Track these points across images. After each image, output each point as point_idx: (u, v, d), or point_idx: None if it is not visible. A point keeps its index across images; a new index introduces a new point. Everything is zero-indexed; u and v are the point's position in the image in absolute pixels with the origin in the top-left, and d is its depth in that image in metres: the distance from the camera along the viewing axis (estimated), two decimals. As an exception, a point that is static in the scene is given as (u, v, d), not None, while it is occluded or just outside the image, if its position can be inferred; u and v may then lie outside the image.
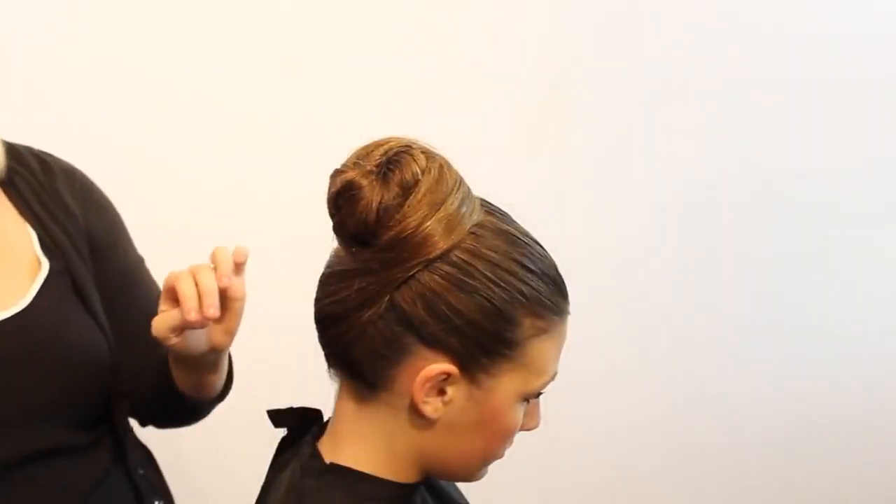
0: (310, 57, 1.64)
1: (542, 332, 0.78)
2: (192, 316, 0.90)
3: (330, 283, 0.78)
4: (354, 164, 0.76)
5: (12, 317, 1.01)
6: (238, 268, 0.95)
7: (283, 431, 0.88)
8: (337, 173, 0.77)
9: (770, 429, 2.03)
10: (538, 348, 0.78)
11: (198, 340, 0.98)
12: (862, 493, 2.10)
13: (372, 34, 1.67)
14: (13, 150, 1.11)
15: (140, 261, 1.18)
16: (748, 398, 2.01)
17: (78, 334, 1.06)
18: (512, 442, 0.83)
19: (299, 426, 0.87)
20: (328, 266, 0.80)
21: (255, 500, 0.87)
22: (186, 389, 1.08)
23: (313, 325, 0.81)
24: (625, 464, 1.98)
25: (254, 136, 1.60)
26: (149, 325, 1.04)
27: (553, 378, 0.82)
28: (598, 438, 1.94)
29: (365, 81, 1.66)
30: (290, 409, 0.87)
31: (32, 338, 1.02)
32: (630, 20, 1.81)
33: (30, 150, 1.13)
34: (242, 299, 0.95)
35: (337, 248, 0.80)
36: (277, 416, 0.87)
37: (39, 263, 1.05)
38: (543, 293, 0.77)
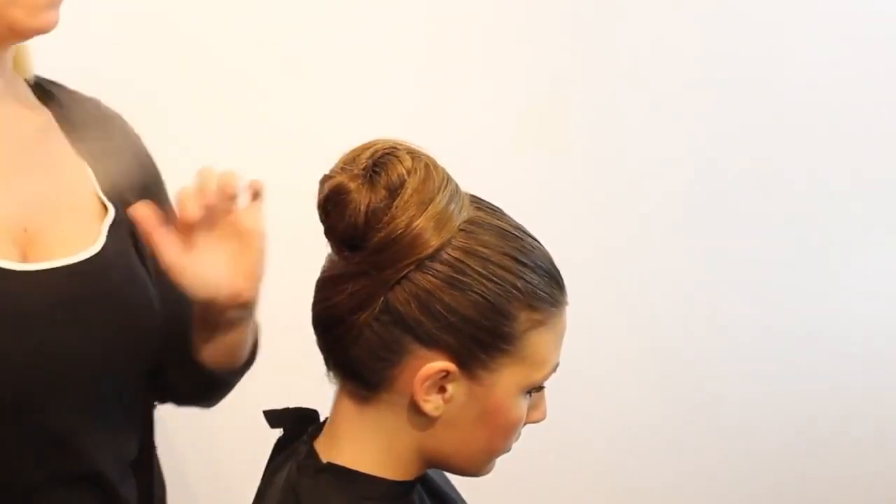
0: (310, 57, 1.64)
1: (540, 324, 0.78)
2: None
3: (325, 288, 0.79)
4: (342, 168, 0.77)
5: (83, 261, 0.94)
6: (255, 197, 0.90)
7: (279, 432, 0.89)
8: (325, 179, 0.78)
9: (771, 430, 2.02)
10: (536, 341, 0.78)
11: (217, 275, 0.89)
12: (863, 494, 2.08)
13: (372, 33, 1.67)
14: (67, 89, 1.05)
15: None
16: (748, 399, 1.99)
17: (141, 287, 0.99)
18: (519, 435, 0.84)
19: (296, 427, 0.87)
20: (323, 271, 0.81)
21: (251, 502, 0.87)
22: (207, 357, 1.01)
23: (308, 325, 0.82)
24: (623, 466, 1.97)
25: (253, 136, 1.60)
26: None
27: (555, 369, 0.82)
28: (597, 439, 1.93)
29: (365, 82, 1.66)
30: (287, 410, 0.88)
31: (102, 286, 0.95)
32: (631, 19, 1.81)
33: (79, 92, 1.07)
34: (260, 236, 0.90)
35: (331, 253, 0.81)
36: (274, 417, 0.87)
37: (105, 207, 0.99)
38: (538, 285, 0.77)
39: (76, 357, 0.94)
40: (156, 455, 1.13)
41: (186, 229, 0.88)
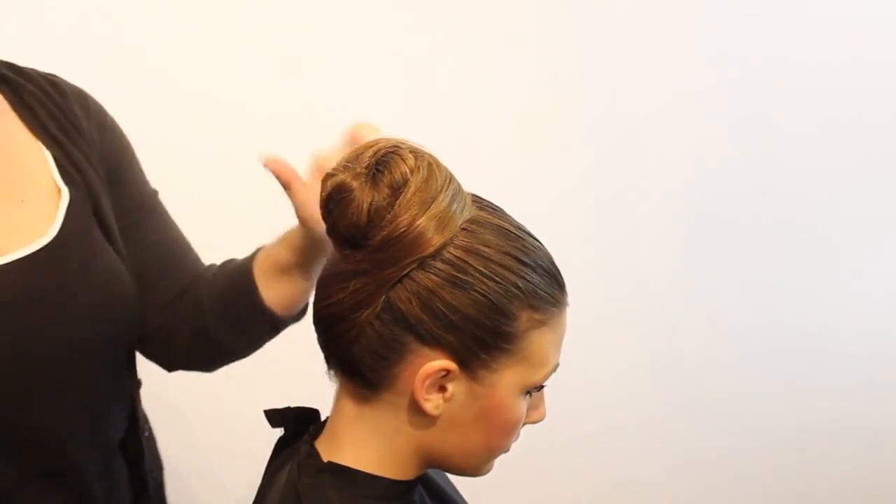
0: (310, 56, 1.64)
1: (540, 324, 0.78)
2: None
3: (326, 286, 0.79)
4: (344, 166, 0.76)
5: (41, 249, 0.92)
6: None
7: (280, 431, 0.89)
8: (328, 177, 0.77)
9: (770, 430, 2.03)
10: (537, 341, 0.78)
11: None
12: (862, 493, 2.09)
13: (373, 32, 1.67)
14: (18, 69, 1.02)
15: (155, 193, 1.11)
16: (748, 398, 2.00)
17: (107, 268, 0.98)
18: (518, 435, 0.84)
19: (297, 426, 0.87)
20: (325, 269, 0.81)
21: (252, 501, 0.87)
22: (277, 300, 1.02)
23: (309, 324, 0.82)
24: (624, 464, 1.98)
25: (254, 135, 1.60)
26: (167, 256, 1.01)
27: (555, 369, 0.82)
28: (597, 439, 1.94)
29: (366, 81, 1.66)
30: (288, 409, 0.88)
31: (63, 272, 0.94)
32: (632, 19, 1.81)
33: (36, 70, 1.03)
34: None
35: (333, 251, 0.81)
36: (275, 416, 0.87)
37: (59, 190, 0.97)
38: (539, 285, 0.77)
39: (42, 352, 0.92)
40: (146, 435, 1.10)
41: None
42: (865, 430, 2.06)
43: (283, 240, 1.01)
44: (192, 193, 1.58)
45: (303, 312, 1.09)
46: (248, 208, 1.59)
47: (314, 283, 1.01)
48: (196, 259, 1.11)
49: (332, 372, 0.82)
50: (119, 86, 1.53)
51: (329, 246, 0.94)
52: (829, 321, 2.01)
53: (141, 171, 1.10)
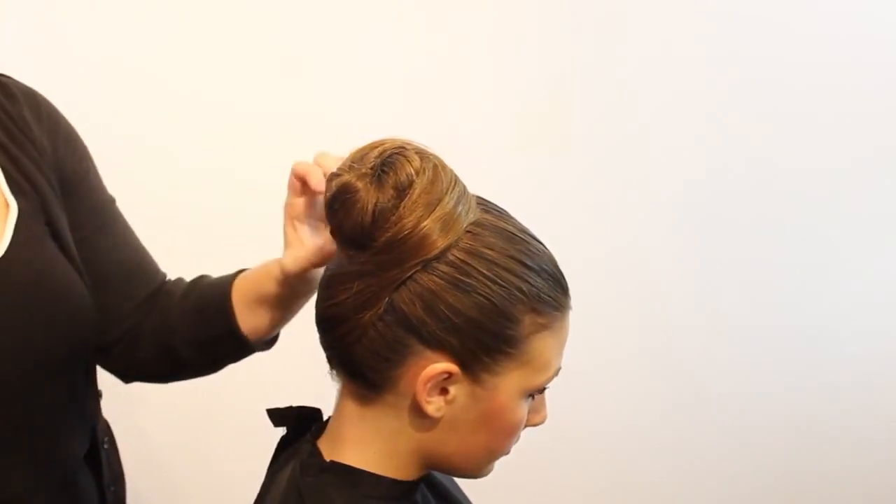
0: (310, 56, 1.64)
1: (543, 328, 0.78)
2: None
3: (330, 286, 0.79)
4: (350, 167, 0.76)
5: None
6: None
7: (282, 431, 0.89)
8: (333, 177, 0.77)
9: (770, 430, 2.03)
10: (540, 345, 0.78)
11: (318, 245, 0.90)
12: (862, 493, 2.09)
13: (373, 32, 1.67)
14: None
15: (112, 200, 1.05)
16: (748, 398, 2.01)
17: (61, 282, 0.93)
18: (518, 438, 0.84)
19: (299, 425, 0.87)
20: (328, 269, 0.81)
21: (253, 500, 0.87)
22: (254, 328, 0.99)
23: (312, 324, 0.81)
24: (624, 464, 1.98)
25: (255, 135, 1.60)
26: (125, 266, 0.98)
27: (557, 373, 0.82)
28: (598, 439, 1.95)
29: (366, 80, 1.66)
30: (290, 409, 0.87)
31: (13, 289, 0.88)
32: (632, 19, 1.81)
33: None
34: None
35: (336, 251, 0.81)
36: (277, 416, 0.87)
37: (7, 203, 0.91)
38: (542, 289, 0.77)
39: None
40: (106, 447, 1.07)
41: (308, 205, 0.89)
42: (865, 429, 2.07)
43: (269, 272, 0.97)
44: (193, 196, 1.59)
45: (273, 341, 1.07)
46: (242, 211, 1.60)
47: (293, 314, 1.02)
48: (155, 269, 1.07)
49: (333, 372, 0.82)
50: (116, 87, 1.53)
51: (314, 280, 0.94)
52: (829, 321, 2.02)
53: (98, 178, 1.04)
